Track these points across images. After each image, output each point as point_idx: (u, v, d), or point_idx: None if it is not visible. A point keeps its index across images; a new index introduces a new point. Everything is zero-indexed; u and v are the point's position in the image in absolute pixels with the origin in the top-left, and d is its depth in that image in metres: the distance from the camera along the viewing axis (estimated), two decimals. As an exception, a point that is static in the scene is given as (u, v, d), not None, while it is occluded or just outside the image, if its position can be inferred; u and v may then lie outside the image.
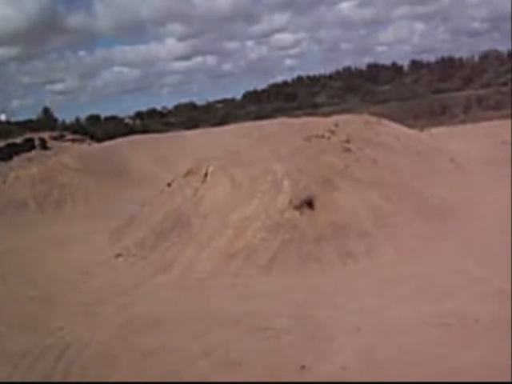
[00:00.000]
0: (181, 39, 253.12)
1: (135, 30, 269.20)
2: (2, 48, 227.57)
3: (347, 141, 29.56)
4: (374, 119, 38.35)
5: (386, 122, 40.53)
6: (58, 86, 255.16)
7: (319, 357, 14.95)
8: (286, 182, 25.68)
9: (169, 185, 32.47)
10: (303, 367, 14.40)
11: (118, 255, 26.82)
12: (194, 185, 29.09)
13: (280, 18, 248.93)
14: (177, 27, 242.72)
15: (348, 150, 28.63)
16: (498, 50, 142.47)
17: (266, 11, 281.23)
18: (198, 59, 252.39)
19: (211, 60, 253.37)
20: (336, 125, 32.37)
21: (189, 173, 31.33)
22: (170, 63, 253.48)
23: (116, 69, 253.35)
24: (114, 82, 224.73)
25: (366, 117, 38.95)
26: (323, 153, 28.20)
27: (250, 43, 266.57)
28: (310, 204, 24.41)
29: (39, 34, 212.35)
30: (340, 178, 26.51)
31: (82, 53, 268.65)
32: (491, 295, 17.25)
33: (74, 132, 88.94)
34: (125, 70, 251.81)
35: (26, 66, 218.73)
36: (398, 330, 15.86)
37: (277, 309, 18.34)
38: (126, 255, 26.70)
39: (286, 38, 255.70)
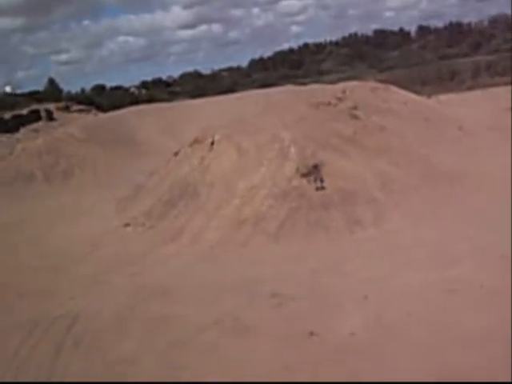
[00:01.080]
0: (186, 7, 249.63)
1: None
2: (6, 19, 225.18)
3: (355, 107, 29.31)
4: (381, 86, 37.93)
5: (393, 88, 40.06)
6: (63, 57, 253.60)
7: (327, 324, 15.01)
8: (292, 149, 25.56)
9: (175, 154, 32.40)
10: (312, 334, 14.48)
11: (126, 225, 26.92)
12: (200, 154, 29.01)
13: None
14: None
15: (355, 116, 28.39)
16: (506, 15, 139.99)
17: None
18: (203, 27, 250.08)
19: (216, 28, 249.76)
20: (343, 92, 32.06)
21: (195, 142, 31.21)
22: (175, 32, 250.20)
23: (121, 38, 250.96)
24: (119, 51, 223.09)
25: (373, 83, 38.55)
26: (330, 120, 28.00)
27: (255, 10, 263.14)
28: (317, 171, 24.30)
29: (43, 4, 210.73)
30: (347, 145, 26.36)
31: (86, 22, 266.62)
32: (495, 262, 17.23)
33: (80, 102, 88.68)
34: (130, 39, 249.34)
35: (30, 36, 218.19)
36: (405, 296, 15.91)
37: (285, 276, 18.42)
38: (134, 225, 26.79)
39: (292, 4, 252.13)
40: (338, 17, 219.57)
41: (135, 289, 18.96)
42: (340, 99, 30.51)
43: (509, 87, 64.03)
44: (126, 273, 20.86)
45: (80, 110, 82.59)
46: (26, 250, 25.68)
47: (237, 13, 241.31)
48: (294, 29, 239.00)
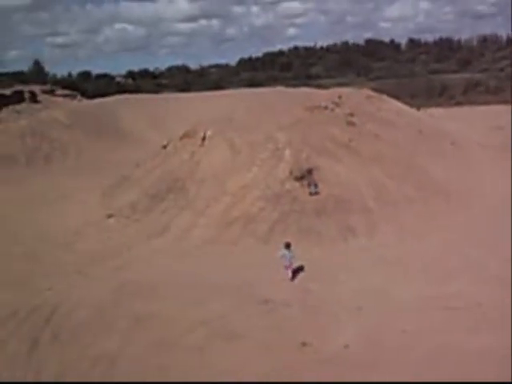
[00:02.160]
0: (192, 0, 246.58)
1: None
2: None
3: (351, 114, 28.83)
4: (375, 94, 37.51)
5: (386, 98, 39.70)
6: (59, 39, 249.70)
7: (320, 334, 14.48)
8: (287, 152, 25.02)
9: (164, 147, 31.60)
10: (304, 344, 13.92)
11: (110, 216, 26.07)
12: (191, 148, 28.28)
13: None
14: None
15: (352, 123, 27.92)
16: (497, 35, 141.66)
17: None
18: (203, 22, 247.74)
19: (215, 23, 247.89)
20: (339, 97, 31.54)
21: (185, 136, 30.47)
22: (174, 24, 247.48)
23: (119, 25, 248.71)
24: (115, 39, 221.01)
25: (367, 91, 38.09)
26: (326, 124, 27.47)
27: (256, 9, 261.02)
28: (311, 176, 23.80)
29: None
30: (342, 151, 25.88)
31: (89, 6, 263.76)
32: (491, 279, 16.90)
33: (65, 87, 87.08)
34: (128, 27, 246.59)
35: (31, 16, 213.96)
36: (401, 311, 15.45)
37: (276, 281, 17.84)
38: (118, 216, 25.96)
39: (293, 6, 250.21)
40: (336, 23, 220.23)
41: (119, 283, 18.16)
42: (337, 104, 30.01)
43: (496, 106, 64.61)
44: (109, 266, 20.12)
45: (65, 95, 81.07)
46: (4, 236, 24.69)
47: (238, 9, 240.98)
48: (291, 31, 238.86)
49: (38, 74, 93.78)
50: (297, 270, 18.63)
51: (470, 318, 14.74)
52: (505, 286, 16.11)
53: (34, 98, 72.39)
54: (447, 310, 15.24)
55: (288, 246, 18.62)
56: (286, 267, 18.30)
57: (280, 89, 57.72)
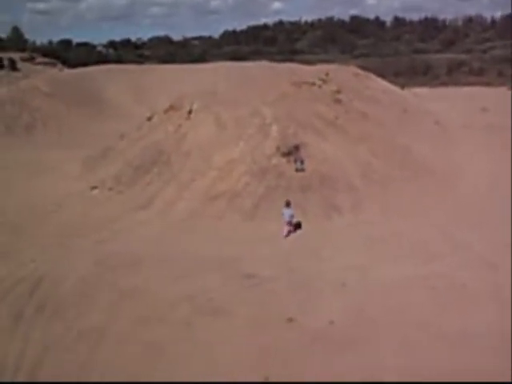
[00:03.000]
0: None
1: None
2: None
3: (338, 91, 28.68)
4: (362, 72, 37.37)
5: (372, 76, 39.59)
6: (40, 5, 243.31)
7: (305, 310, 14.53)
8: (274, 127, 24.84)
9: (149, 119, 31.21)
10: (290, 320, 13.97)
11: (93, 187, 25.75)
12: (177, 121, 27.96)
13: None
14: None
15: (339, 100, 27.80)
16: (482, 16, 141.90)
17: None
18: None
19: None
20: (326, 74, 31.32)
21: (171, 108, 30.10)
22: None
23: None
24: (97, 7, 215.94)
25: (354, 69, 37.90)
26: (314, 101, 27.32)
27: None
28: (297, 152, 23.70)
29: None
30: (329, 128, 25.79)
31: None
32: (476, 261, 17.07)
33: (45, 55, 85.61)
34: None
35: None
36: (385, 289, 15.55)
37: (261, 257, 17.84)
38: (102, 188, 25.66)
39: None
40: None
41: (102, 256, 18.01)
42: (324, 81, 29.81)
43: (480, 88, 64.90)
44: (92, 238, 19.87)
45: (45, 63, 79.76)
46: (-16, 204, 24.29)
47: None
48: (276, 5, 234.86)
49: (17, 40, 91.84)
50: (296, 227, 20.14)
51: (453, 298, 14.90)
52: (490, 268, 16.31)
53: (13, 65, 71.16)
54: (431, 289, 15.39)
55: (288, 204, 20.19)
56: (286, 223, 19.84)
57: (264, 63, 57.14)
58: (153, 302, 15.05)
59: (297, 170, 22.99)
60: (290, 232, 19.91)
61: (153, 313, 14.47)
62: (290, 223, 19.92)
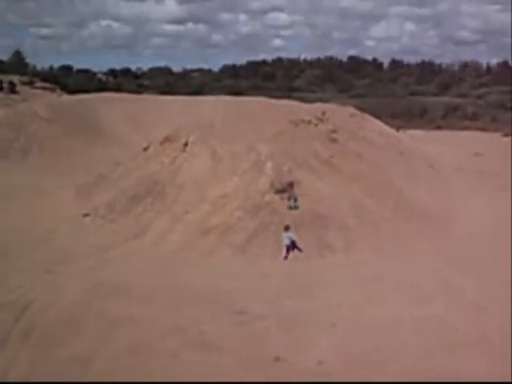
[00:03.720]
0: (181, 2, 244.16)
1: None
2: None
3: (334, 131, 28.99)
4: (358, 113, 37.84)
5: (369, 117, 40.09)
6: (44, 31, 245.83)
7: (294, 349, 14.43)
8: (269, 164, 25.03)
9: (145, 149, 31.38)
10: (277, 359, 13.85)
11: (86, 215, 25.74)
12: (172, 153, 28.13)
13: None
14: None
15: (334, 140, 28.08)
16: (477, 62, 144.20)
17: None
18: (190, 25, 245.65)
19: (202, 28, 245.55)
20: (323, 113, 31.71)
21: (167, 140, 30.30)
22: (161, 25, 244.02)
23: (105, 22, 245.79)
24: (99, 35, 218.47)
25: (351, 109, 38.38)
26: (310, 139, 27.58)
27: (244, 17, 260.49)
28: (291, 189, 23.84)
29: None
30: (324, 167, 26.00)
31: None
32: (467, 305, 17.07)
33: (45, 80, 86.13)
34: (114, 24, 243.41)
35: (18, 4, 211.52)
36: (375, 329, 15.48)
37: (252, 293, 17.77)
38: (94, 215, 25.66)
39: (281, 17, 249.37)
40: (322, 37, 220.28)
41: (92, 284, 17.91)
42: (320, 120, 30.15)
43: (474, 132, 65.78)
44: (83, 265, 19.79)
45: (44, 88, 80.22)
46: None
47: (226, 16, 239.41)
48: (277, 42, 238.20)
49: (18, 64, 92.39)
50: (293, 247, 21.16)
51: (444, 341, 14.84)
52: (482, 312, 16.31)
53: (12, 88, 71.52)
54: (422, 331, 15.34)
55: (287, 228, 21.21)
56: (285, 246, 20.91)
57: (262, 99, 57.67)
58: (142, 332, 14.93)
59: (290, 208, 23.09)
60: (288, 254, 20.98)
61: (141, 343, 14.34)
62: (288, 247, 20.89)
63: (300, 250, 21.29)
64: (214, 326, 15.34)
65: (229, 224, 22.57)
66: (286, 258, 20.97)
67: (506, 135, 63.44)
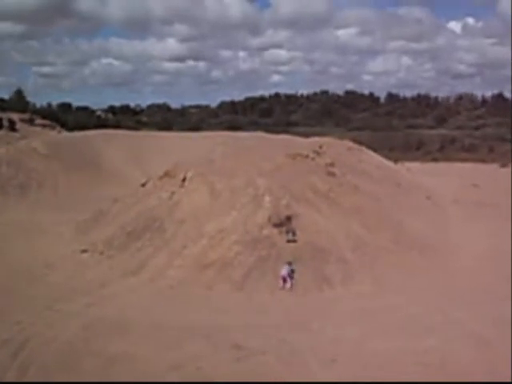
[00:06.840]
0: (182, 40, 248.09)
1: (141, 25, 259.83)
2: (7, 23, 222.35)
3: (331, 164, 29.21)
4: (356, 146, 38.24)
5: (366, 150, 40.47)
6: (46, 69, 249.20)
7: (293, 384, 14.30)
8: (267, 198, 25.11)
9: (143, 185, 31.57)
10: (277, 394, 13.74)
11: (84, 251, 25.72)
12: (171, 188, 28.27)
13: (280, 34, 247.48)
14: (183, 28, 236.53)
15: (332, 173, 28.28)
16: (473, 94, 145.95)
17: (272, 25, 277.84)
18: (190, 62, 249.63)
19: (202, 65, 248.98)
20: (320, 147, 32.01)
21: (165, 175, 30.53)
22: (161, 63, 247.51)
23: (106, 60, 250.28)
24: (100, 73, 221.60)
25: (348, 142, 38.78)
26: (307, 173, 27.75)
27: (243, 54, 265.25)
28: (289, 223, 23.89)
29: (47, 14, 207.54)
30: (322, 200, 26.10)
31: (79, 39, 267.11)
32: (468, 337, 16.95)
33: (45, 117, 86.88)
34: (115, 62, 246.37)
35: (21, 44, 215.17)
36: (376, 364, 15.34)
37: (250, 328, 17.65)
38: (92, 251, 25.64)
39: (280, 53, 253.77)
40: (320, 73, 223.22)
41: (90, 321, 17.80)
42: (318, 154, 30.42)
43: (471, 164, 66.15)
44: (81, 302, 19.67)
45: (44, 125, 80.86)
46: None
47: (225, 53, 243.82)
48: (275, 78, 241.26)
49: (18, 102, 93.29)
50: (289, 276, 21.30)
51: (446, 374, 14.71)
52: (483, 344, 16.18)
53: (12, 126, 72.11)
54: (423, 364, 15.20)
55: (289, 263, 21.48)
56: (283, 277, 21.20)
57: (260, 134, 58.26)
58: (140, 369, 14.80)
59: (288, 241, 23.11)
60: (285, 285, 21.17)
61: (140, 380, 14.20)
62: (285, 277, 21.18)
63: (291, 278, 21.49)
64: (212, 362, 15.21)
65: (227, 259, 22.53)
66: (282, 288, 21.05)
67: (503, 166, 63.92)
